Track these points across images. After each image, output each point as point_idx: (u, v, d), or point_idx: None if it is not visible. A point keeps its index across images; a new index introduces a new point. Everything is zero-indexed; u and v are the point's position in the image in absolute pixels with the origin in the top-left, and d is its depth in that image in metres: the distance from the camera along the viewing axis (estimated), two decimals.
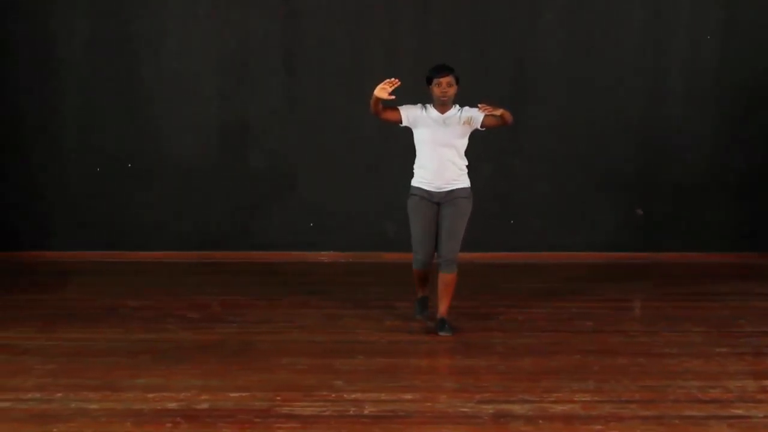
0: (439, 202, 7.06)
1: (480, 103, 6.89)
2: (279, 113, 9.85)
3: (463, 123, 6.99)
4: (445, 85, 6.93)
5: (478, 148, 9.79)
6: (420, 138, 7.09)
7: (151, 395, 5.68)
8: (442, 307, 7.12)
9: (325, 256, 9.92)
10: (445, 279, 7.10)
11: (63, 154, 9.87)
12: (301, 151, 9.83)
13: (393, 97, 6.80)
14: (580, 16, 9.72)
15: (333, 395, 5.70)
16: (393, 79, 6.79)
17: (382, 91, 6.78)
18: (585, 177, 9.85)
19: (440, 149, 7.00)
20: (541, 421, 5.29)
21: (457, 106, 7.05)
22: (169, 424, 5.24)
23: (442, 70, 6.97)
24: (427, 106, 7.07)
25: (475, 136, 9.82)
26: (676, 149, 9.83)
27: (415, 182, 7.15)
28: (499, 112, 6.82)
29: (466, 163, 7.12)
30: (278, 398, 5.64)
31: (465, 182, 7.09)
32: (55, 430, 5.17)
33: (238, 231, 9.98)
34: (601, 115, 9.79)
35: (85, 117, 9.83)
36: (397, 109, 7.03)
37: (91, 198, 9.89)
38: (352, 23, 9.76)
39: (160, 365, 6.28)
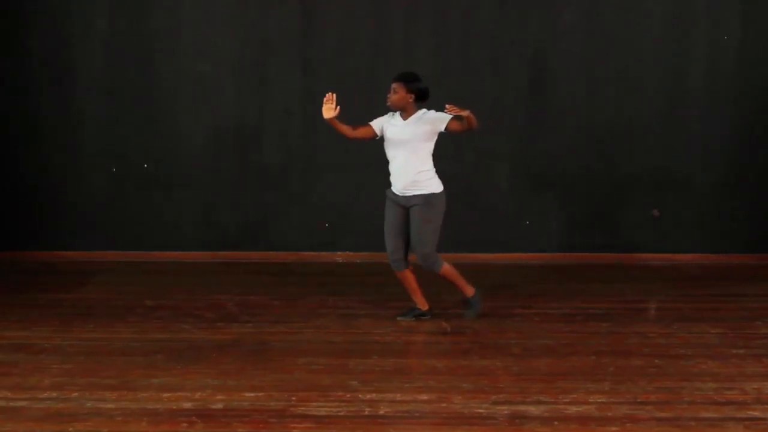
0: (405, 206, 7.26)
1: (447, 104, 6.91)
2: (296, 113, 9.87)
3: (424, 125, 7.11)
4: (390, 92, 7.17)
5: (495, 149, 9.86)
6: (385, 143, 7.29)
7: (166, 395, 5.70)
8: (464, 292, 7.46)
9: (342, 256, 9.93)
10: (443, 275, 7.38)
11: (80, 155, 9.91)
12: (318, 151, 9.84)
13: (339, 109, 7.02)
14: (598, 16, 9.70)
15: (348, 395, 5.71)
16: (327, 94, 7.05)
17: (328, 111, 7.04)
18: (603, 177, 9.83)
19: (401, 154, 7.19)
20: (556, 423, 5.28)
21: (424, 110, 7.19)
22: (184, 424, 5.25)
23: (395, 76, 7.20)
24: (395, 114, 7.26)
25: (492, 137, 9.86)
26: (695, 149, 9.80)
27: (391, 187, 7.37)
28: (465, 113, 6.87)
29: (428, 168, 7.22)
30: (294, 398, 5.65)
31: (426, 188, 7.20)
32: (71, 429, 5.19)
33: (255, 231, 10.00)
34: (619, 115, 9.77)
35: (102, 117, 9.87)
36: (369, 125, 7.29)
37: (108, 198, 9.93)
38: (369, 22, 9.76)
39: (176, 365, 6.29)
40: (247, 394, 5.72)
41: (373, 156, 9.76)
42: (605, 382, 5.94)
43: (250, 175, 9.92)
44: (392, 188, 7.30)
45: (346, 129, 7.21)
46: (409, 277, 7.44)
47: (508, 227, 9.88)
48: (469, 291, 7.46)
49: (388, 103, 7.17)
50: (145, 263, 9.75)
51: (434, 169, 7.25)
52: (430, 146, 7.21)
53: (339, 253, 9.96)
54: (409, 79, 7.15)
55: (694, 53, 9.71)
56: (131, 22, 9.75)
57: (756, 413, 5.44)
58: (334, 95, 7.03)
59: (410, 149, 7.13)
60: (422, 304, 7.50)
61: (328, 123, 7.13)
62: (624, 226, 9.90)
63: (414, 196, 7.18)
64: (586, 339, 6.97)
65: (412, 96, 7.14)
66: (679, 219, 9.89)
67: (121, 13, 9.74)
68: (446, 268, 7.34)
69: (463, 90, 9.69)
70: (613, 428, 5.20)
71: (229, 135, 9.91)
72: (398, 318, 7.46)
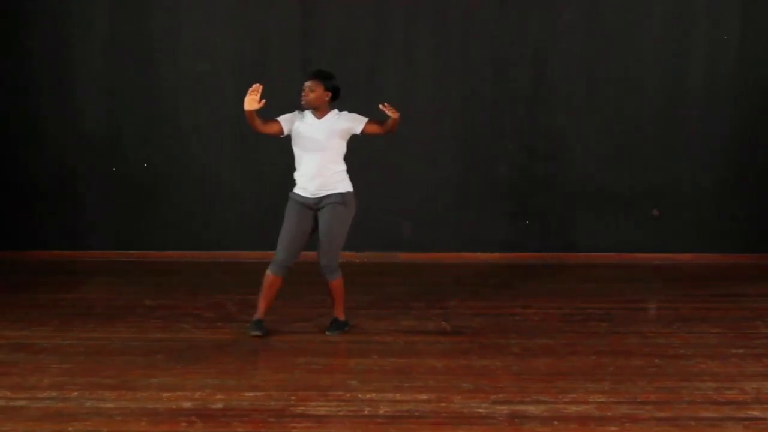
0: (315, 208, 7.01)
1: (385, 104, 6.80)
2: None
3: (341, 125, 6.94)
4: (306, 90, 6.89)
5: (495, 148, 9.85)
6: (296, 144, 7.03)
7: (166, 394, 5.71)
8: (337, 311, 7.21)
9: (341, 255, 9.90)
10: (333, 285, 7.12)
11: (80, 154, 9.89)
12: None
13: (263, 102, 6.73)
14: (598, 16, 9.69)
15: (348, 395, 5.72)
16: (255, 85, 6.72)
17: (252, 102, 6.70)
18: (602, 177, 9.82)
19: (316, 155, 6.93)
20: (556, 422, 5.28)
21: (336, 111, 7.00)
22: (184, 424, 5.26)
23: (310, 74, 6.98)
24: (305, 112, 7.00)
25: (492, 137, 9.86)
26: (695, 149, 9.78)
27: (295, 189, 7.09)
28: (396, 114, 6.77)
29: (343, 168, 7.04)
30: (293, 398, 5.66)
31: (340, 187, 6.98)
32: (70, 428, 5.20)
33: (255, 231, 9.98)
34: (619, 115, 9.76)
35: (102, 117, 9.86)
36: (277, 121, 6.98)
37: (108, 198, 9.92)
38: (369, 22, 9.76)
39: (176, 364, 6.30)
40: (247, 394, 5.72)
41: (372, 156, 9.80)
42: (605, 382, 5.95)
43: (251, 174, 9.91)
44: (301, 191, 7.02)
45: (258, 123, 6.91)
46: (278, 285, 7.14)
47: (507, 227, 9.87)
48: (342, 314, 7.22)
49: (303, 102, 6.92)
50: (145, 263, 9.73)
51: (346, 171, 7.07)
52: (344, 147, 7.02)
53: None
54: (326, 77, 6.92)
55: (694, 53, 9.70)
56: (131, 22, 9.74)
57: (755, 413, 5.45)
58: (261, 87, 6.74)
59: (326, 149, 6.91)
60: (262, 314, 7.13)
61: (247, 114, 6.79)
62: (624, 226, 9.89)
63: (329, 195, 6.95)
64: (586, 339, 6.98)
65: (329, 94, 6.91)
66: (679, 219, 9.88)
67: (121, 13, 9.73)
68: (341, 280, 7.12)
69: (463, 90, 9.70)
70: (613, 428, 5.21)
71: (229, 135, 9.90)
72: (254, 333, 7.04)
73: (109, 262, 9.73)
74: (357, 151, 9.69)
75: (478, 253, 9.85)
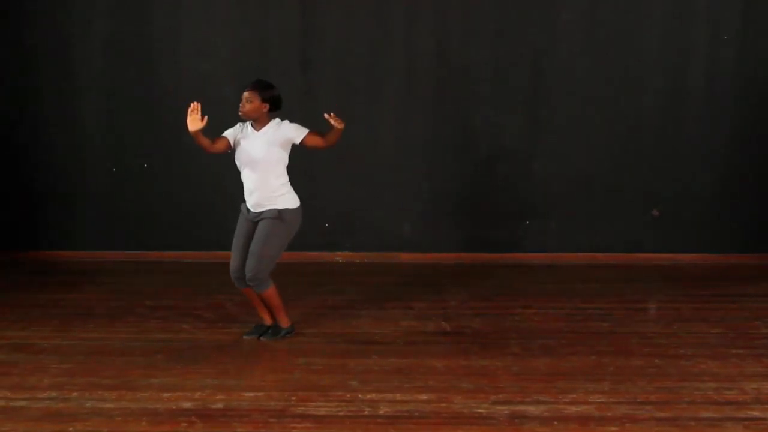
0: (254, 220, 6.87)
1: (330, 113, 6.68)
2: (296, 113, 9.83)
3: (280, 136, 6.75)
4: (243, 101, 6.71)
5: (495, 148, 9.85)
6: (237, 156, 6.85)
7: (166, 395, 5.72)
8: (267, 317, 7.09)
9: (342, 256, 9.93)
10: (263, 297, 6.95)
11: (80, 155, 9.90)
12: (318, 151, 9.80)
13: (206, 119, 6.54)
14: (598, 16, 9.69)
15: (348, 395, 5.72)
16: (193, 104, 6.54)
17: (194, 122, 6.50)
18: (603, 177, 9.81)
19: (254, 167, 6.75)
20: (555, 423, 5.29)
21: (277, 120, 6.84)
22: (184, 424, 5.27)
23: (249, 85, 6.76)
24: (246, 124, 6.85)
25: (492, 137, 9.85)
26: (695, 149, 9.79)
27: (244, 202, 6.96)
28: (341, 126, 6.66)
29: (284, 181, 6.85)
30: (293, 398, 5.66)
31: (280, 203, 6.79)
32: (71, 429, 5.20)
33: None
34: (619, 115, 9.76)
35: (102, 117, 9.86)
36: (224, 137, 6.83)
37: (108, 198, 9.92)
38: (369, 22, 9.75)
39: (176, 365, 6.31)
40: (247, 394, 5.73)
41: (373, 156, 9.81)
42: (605, 382, 5.95)
43: None
44: (246, 203, 6.87)
45: (206, 142, 6.67)
46: (253, 293, 7.00)
47: (508, 227, 9.87)
48: (286, 322, 7.07)
49: (240, 113, 6.73)
50: (145, 263, 9.74)
51: (289, 184, 6.88)
52: (285, 159, 6.83)
53: (339, 253, 9.95)
54: (264, 88, 6.73)
55: (694, 53, 9.70)
56: (131, 22, 9.73)
57: (755, 413, 5.45)
58: (199, 105, 6.57)
59: (264, 163, 6.71)
60: (268, 320, 7.10)
61: (193, 136, 6.59)
62: (624, 226, 9.89)
63: (265, 211, 6.78)
64: (586, 339, 6.98)
65: (266, 105, 6.71)
66: (679, 219, 9.88)
67: (121, 13, 9.72)
68: (272, 290, 6.91)
69: (462, 90, 9.69)
70: (613, 428, 5.21)
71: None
72: (244, 336, 7.07)
73: (109, 262, 9.73)
74: (358, 151, 9.77)
75: (479, 253, 9.84)
